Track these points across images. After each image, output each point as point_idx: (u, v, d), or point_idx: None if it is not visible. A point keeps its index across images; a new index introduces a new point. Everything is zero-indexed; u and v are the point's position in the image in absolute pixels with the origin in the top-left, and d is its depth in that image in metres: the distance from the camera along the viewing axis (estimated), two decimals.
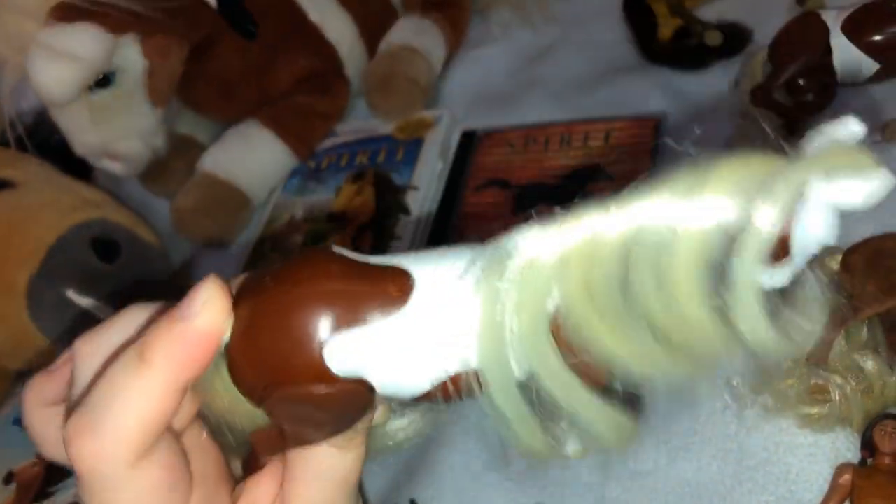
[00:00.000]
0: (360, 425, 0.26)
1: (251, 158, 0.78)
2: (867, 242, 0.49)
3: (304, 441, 0.25)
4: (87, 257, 0.64)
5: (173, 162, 0.82)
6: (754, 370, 0.47)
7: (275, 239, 0.75)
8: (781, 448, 0.46)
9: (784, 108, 0.61)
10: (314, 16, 0.80)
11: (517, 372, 0.22)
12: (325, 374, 0.22)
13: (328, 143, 0.82)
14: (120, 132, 0.72)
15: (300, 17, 0.80)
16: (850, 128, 0.21)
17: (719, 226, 0.20)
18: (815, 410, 0.46)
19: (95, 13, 0.63)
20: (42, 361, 0.56)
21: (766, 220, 0.20)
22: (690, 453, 0.47)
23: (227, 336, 0.23)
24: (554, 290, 0.21)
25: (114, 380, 0.23)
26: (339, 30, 0.82)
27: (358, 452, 0.26)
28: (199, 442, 0.27)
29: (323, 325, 0.22)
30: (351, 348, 0.22)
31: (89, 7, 0.63)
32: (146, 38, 0.68)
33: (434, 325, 0.22)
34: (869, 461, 0.44)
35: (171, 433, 0.25)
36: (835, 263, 0.49)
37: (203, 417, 0.27)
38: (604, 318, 0.21)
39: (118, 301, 0.60)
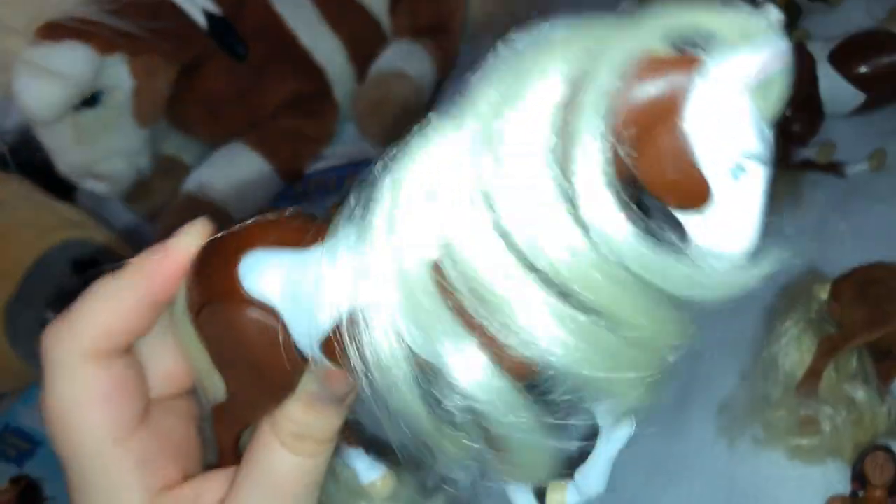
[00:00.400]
0: (320, 433, 0.26)
1: (237, 180, 0.77)
2: (856, 271, 0.49)
3: (242, 391, 0.27)
4: (67, 278, 0.63)
5: (158, 182, 0.81)
6: (744, 402, 0.47)
7: None
8: (771, 481, 0.45)
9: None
10: (305, 39, 0.80)
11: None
12: (238, 291, 0.25)
13: (316, 166, 0.82)
14: (104, 152, 0.71)
15: (290, 40, 0.80)
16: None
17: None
18: (805, 442, 0.46)
19: (84, 32, 0.63)
20: None
21: (603, 76, 0.18)
22: (680, 485, 0.46)
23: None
24: (430, 233, 0.20)
25: (94, 288, 0.26)
26: (329, 53, 0.82)
27: (316, 463, 0.26)
28: (178, 414, 0.29)
29: (240, 248, 0.25)
30: (263, 271, 0.24)
31: (78, 26, 0.62)
32: (134, 58, 0.67)
33: (336, 267, 0.23)
34: (860, 493, 0.43)
35: (138, 366, 0.27)
36: (824, 293, 0.49)
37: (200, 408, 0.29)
38: (479, 247, 0.20)
39: None
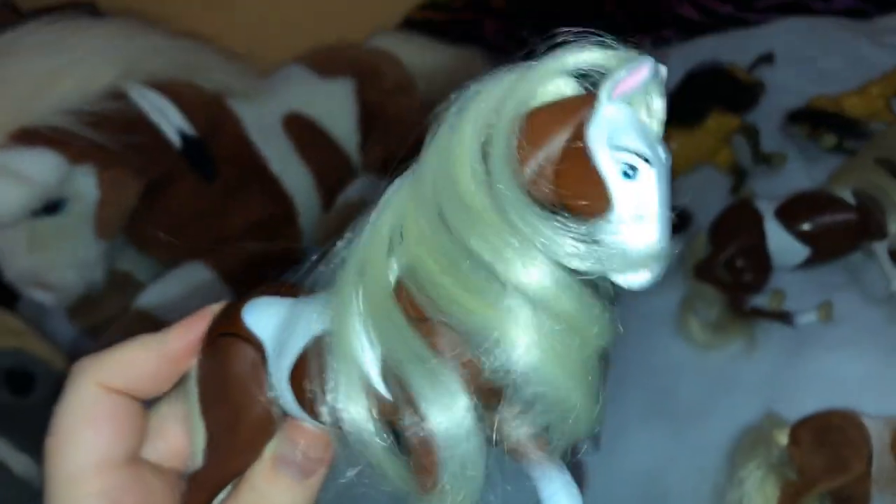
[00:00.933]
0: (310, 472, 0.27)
1: (192, 301, 0.75)
2: (814, 418, 0.49)
3: (216, 442, 0.28)
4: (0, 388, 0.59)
5: (107, 298, 0.78)
6: None
7: None
8: None
9: (725, 283, 0.63)
10: (275, 166, 0.82)
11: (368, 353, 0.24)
12: (238, 324, 0.27)
13: None
14: (57, 261, 0.69)
15: (261, 166, 0.81)
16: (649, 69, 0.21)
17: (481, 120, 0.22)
18: None
19: (57, 140, 0.63)
20: None
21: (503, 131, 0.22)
22: None
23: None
24: (392, 262, 0.23)
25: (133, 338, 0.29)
26: (298, 182, 0.84)
27: (305, 497, 0.27)
28: (166, 482, 0.29)
29: (248, 297, 0.28)
30: (263, 310, 0.27)
31: (52, 134, 0.63)
32: (103, 170, 0.67)
33: (309, 309, 0.26)
34: None
35: (141, 417, 0.29)
36: (783, 437, 0.49)
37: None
38: (440, 262, 0.22)
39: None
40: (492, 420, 0.24)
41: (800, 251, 0.63)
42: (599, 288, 0.23)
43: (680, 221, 0.75)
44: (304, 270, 0.27)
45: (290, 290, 0.28)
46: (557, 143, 0.22)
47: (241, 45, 0.90)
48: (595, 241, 0.21)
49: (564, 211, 0.22)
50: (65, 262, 0.69)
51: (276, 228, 0.82)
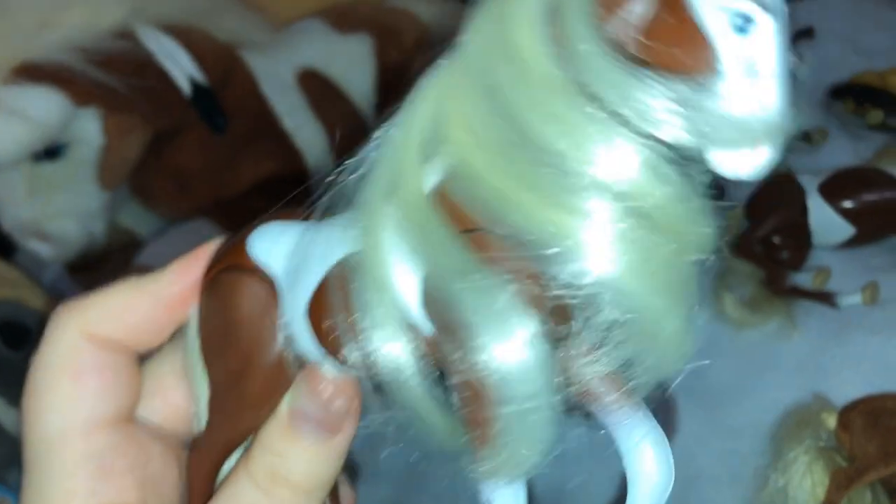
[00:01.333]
0: (302, 477, 0.23)
1: None
2: (866, 401, 0.46)
3: (223, 396, 0.24)
4: None
5: (107, 254, 0.75)
6: None
7: None
8: None
9: (763, 260, 0.60)
10: (287, 121, 0.78)
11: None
12: (243, 258, 0.24)
13: None
14: (57, 210, 0.65)
15: (272, 121, 0.78)
16: None
17: None
18: None
19: (62, 78, 0.59)
20: None
21: None
22: None
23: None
24: (430, 164, 0.20)
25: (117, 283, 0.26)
26: (311, 138, 0.80)
27: (331, 458, 0.23)
28: (166, 446, 0.26)
29: (252, 226, 0.25)
30: (271, 239, 0.24)
31: (57, 71, 0.59)
32: (110, 114, 0.63)
33: (329, 231, 0.23)
34: None
35: (136, 375, 0.26)
36: (832, 421, 0.46)
37: None
38: (494, 156, 0.18)
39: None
40: (562, 355, 0.20)
41: (844, 229, 0.59)
42: (698, 184, 0.19)
43: (712, 195, 0.71)
44: (320, 191, 0.23)
45: (303, 214, 0.24)
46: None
47: None
48: (698, 107, 0.17)
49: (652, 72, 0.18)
50: (65, 210, 0.65)
51: (286, 187, 0.78)
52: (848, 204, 0.59)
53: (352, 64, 0.84)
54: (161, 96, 0.67)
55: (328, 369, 0.23)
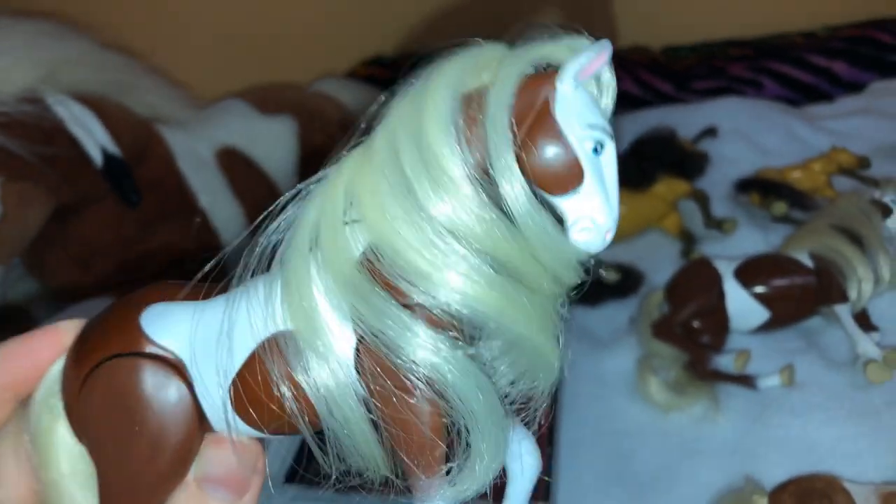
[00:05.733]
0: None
1: None
2: (796, 482, 0.46)
3: (121, 482, 0.24)
4: None
5: None
6: None
7: None
8: None
9: (685, 343, 0.61)
10: (203, 199, 0.76)
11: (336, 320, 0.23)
12: (140, 340, 0.24)
13: None
14: None
15: (188, 198, 0.75)
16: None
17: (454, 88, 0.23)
18: None
19: None
20: None
21: (503, 92, 0.23)
22: None
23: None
24: (355, 235, 0.23)
25: None
26: (227, 218, 0.77)
27: None
28: None
29: (141, 302, 0.25)
30: (168, 319, 0.24)
31: None
32: (8, 182, 0.59)
33: (250, 302, 0.24)
34: None
35: None
36: (763, 503, 0.46)
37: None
38: (405, 227, 0.22)
39: None
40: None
41: (759, 313, 0.61)
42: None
43: (632, 281, 0.72)
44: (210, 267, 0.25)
45: (195, 291, 0.25)
46: (530, 120, 0.23)
47: (178, 71, 0.84)
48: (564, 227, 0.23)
49: (537, 187, 0.23)
50: None
51: (199, 266, 0.74)
52: (762, 289, 0.61)
53: (274, 145, 0.83)
54: (70, 165, 0.63)
55: (237, 433, 0.24)
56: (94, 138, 0.65)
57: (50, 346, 0.25)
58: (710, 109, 0.96)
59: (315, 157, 0.84)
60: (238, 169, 0.80)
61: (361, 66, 1.19)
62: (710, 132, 0.90)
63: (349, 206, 0.23)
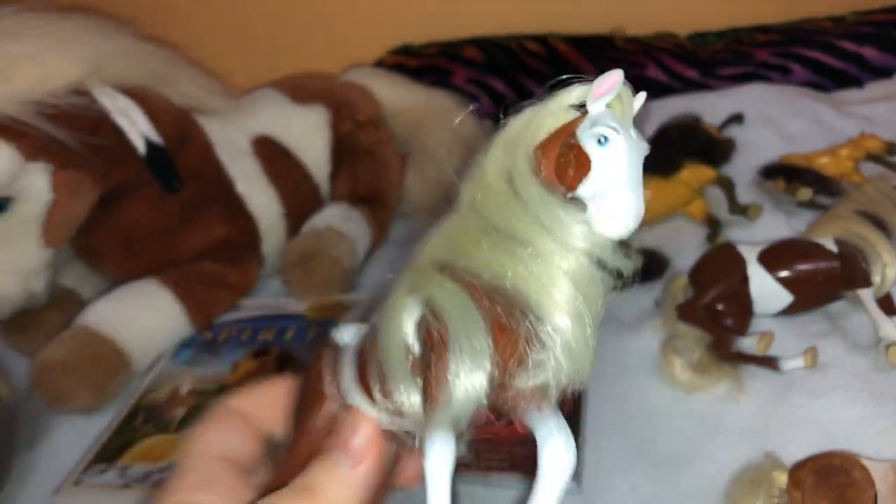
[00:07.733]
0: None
1: (142, 318, 0.69)
2: (815, 459, 0.47)
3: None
4: None
5: (47, 314, 0.72)
6: None
7: (150, 411, 0.65)
8: None
9: (709, 325, 0.62)
10: (241, 186, 0.78)
11: None
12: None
13: (229, 315, 0.76)
14: None
15: (226, 185, 0.77)
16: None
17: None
18: None
19: (12, 131, 0.58)
20: None
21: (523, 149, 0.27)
22: None
23: None
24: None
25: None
26: (264, 204, 0.80)
27: (356, 486, 0.28)
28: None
29: None
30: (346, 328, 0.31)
31: (7, 124, 0.58)
32: (59, 170, 0.62)
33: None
34: None
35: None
36: (783, 479, 0.47)
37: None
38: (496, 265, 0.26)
39: None
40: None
41: (783, 297, 0.62)
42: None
43: (657, 266, 0.73)
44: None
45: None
46: (560, 145, 0.26)
47: (213, 62, 0.87)
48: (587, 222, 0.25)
49: (566, 191, 0.26)
50: (6, 267, 0.63)
51: (237, 251, 0.77)
52: (785, 273, 0.62)
53: (307, 133, 0.85)
54: (114, 154, 0.66)
55: (368, 412, 0.28)
56: (138, 128, 0.68)
57: (287, 392, 0.31)
58: (737, 96, 0.97)
59: (344, 144, 0.86)
60: (273, 157, 0.82)
61: (389, 54, 1.21)
62: (737, 119, 0.91)
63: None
